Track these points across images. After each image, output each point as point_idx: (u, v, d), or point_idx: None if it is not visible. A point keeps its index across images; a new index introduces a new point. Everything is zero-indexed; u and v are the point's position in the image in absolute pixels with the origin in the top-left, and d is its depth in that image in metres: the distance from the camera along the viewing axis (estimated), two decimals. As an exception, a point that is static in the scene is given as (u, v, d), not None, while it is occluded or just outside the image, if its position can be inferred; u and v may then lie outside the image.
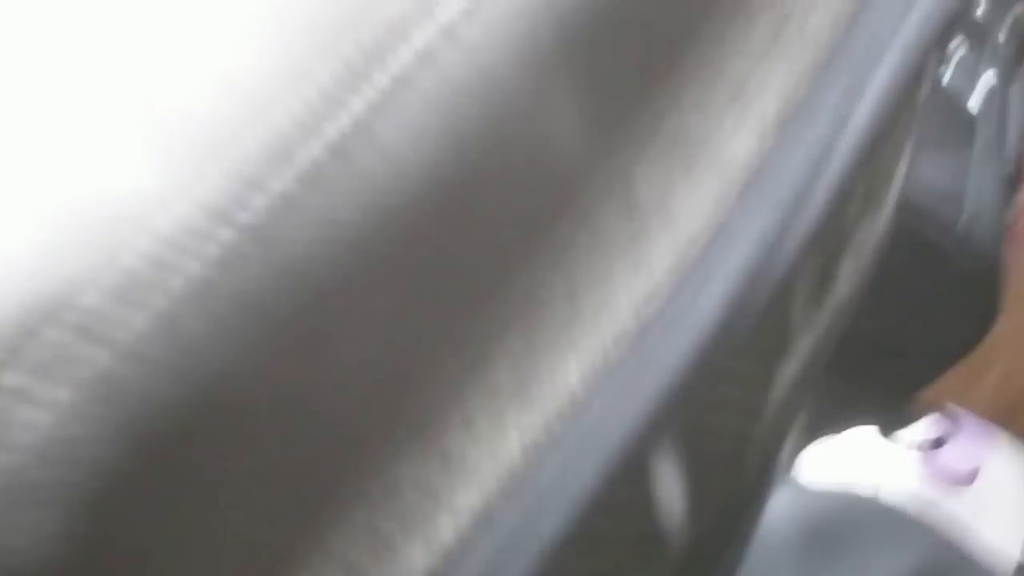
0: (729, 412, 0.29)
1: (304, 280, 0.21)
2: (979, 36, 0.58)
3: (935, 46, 0.30)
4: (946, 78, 0.57)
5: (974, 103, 0.57)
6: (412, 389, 0.23)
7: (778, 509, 0.61)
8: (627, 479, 0.24)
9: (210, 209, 0.20)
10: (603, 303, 0.25)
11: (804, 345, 0.32)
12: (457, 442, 0.23)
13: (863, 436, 0.69)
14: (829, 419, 0.64)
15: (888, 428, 0.65)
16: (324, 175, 0.21)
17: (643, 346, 0.24)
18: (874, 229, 0.34)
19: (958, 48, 0.58)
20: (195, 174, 0.20)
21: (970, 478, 0.86)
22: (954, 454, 0.85)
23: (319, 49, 0.22)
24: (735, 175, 0.26)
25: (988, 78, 0.58)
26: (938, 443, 0.85)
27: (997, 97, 0.57)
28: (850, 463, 0.83)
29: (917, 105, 0.33)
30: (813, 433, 0.68)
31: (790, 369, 0.32)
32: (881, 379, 0.61)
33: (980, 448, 0.87)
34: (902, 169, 0.34)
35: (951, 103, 0.57)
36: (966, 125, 0.57)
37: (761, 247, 0.26)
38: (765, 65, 0.28)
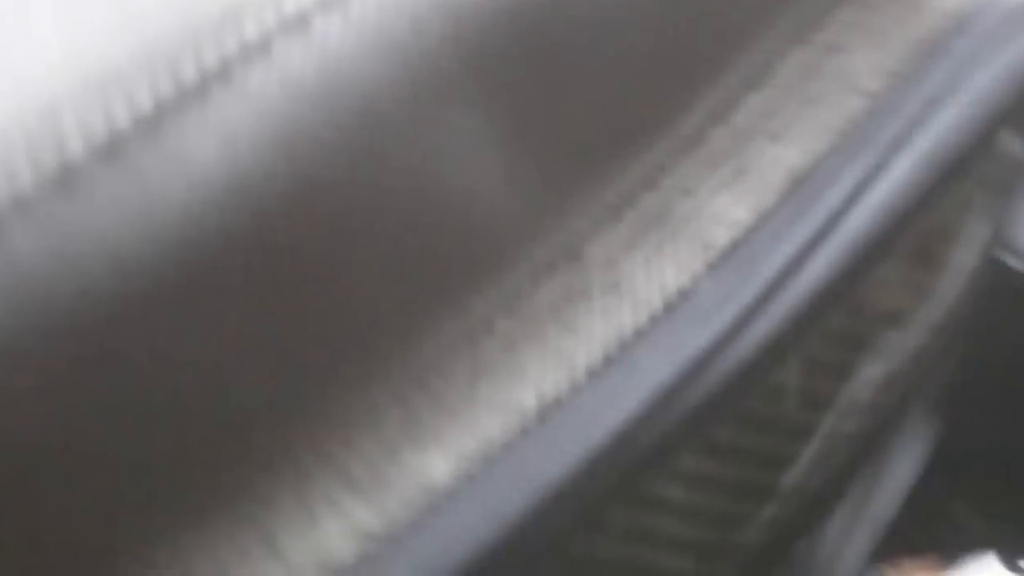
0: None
1: (50, 305, 0.16)
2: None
3: (1009, 110, 0.25)
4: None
5: None
6: (223, 460, 0.19)
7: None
8: None
9: None
10: (502, 397, 0.21)
11: (814, 435, 0.27)
12: (285, 530, 0.20)
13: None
14: (948, 544, 0.57)
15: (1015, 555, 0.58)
16: (91, 179, 0.16)
17: (528, 449, 0.20)
18: (935, 306, 0.29)
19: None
20: None
21: None
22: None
23: (121, 33, 0.19)
24: (713, 246, 0.22)
25: None
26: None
27: None
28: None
29: (985, 178, 0.28)
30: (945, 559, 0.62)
31: (804, 457, 0.27)
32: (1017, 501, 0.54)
33: None
34: (973, 242, 0.29)
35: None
36: None
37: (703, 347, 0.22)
38: (786, 115, 0.24)
